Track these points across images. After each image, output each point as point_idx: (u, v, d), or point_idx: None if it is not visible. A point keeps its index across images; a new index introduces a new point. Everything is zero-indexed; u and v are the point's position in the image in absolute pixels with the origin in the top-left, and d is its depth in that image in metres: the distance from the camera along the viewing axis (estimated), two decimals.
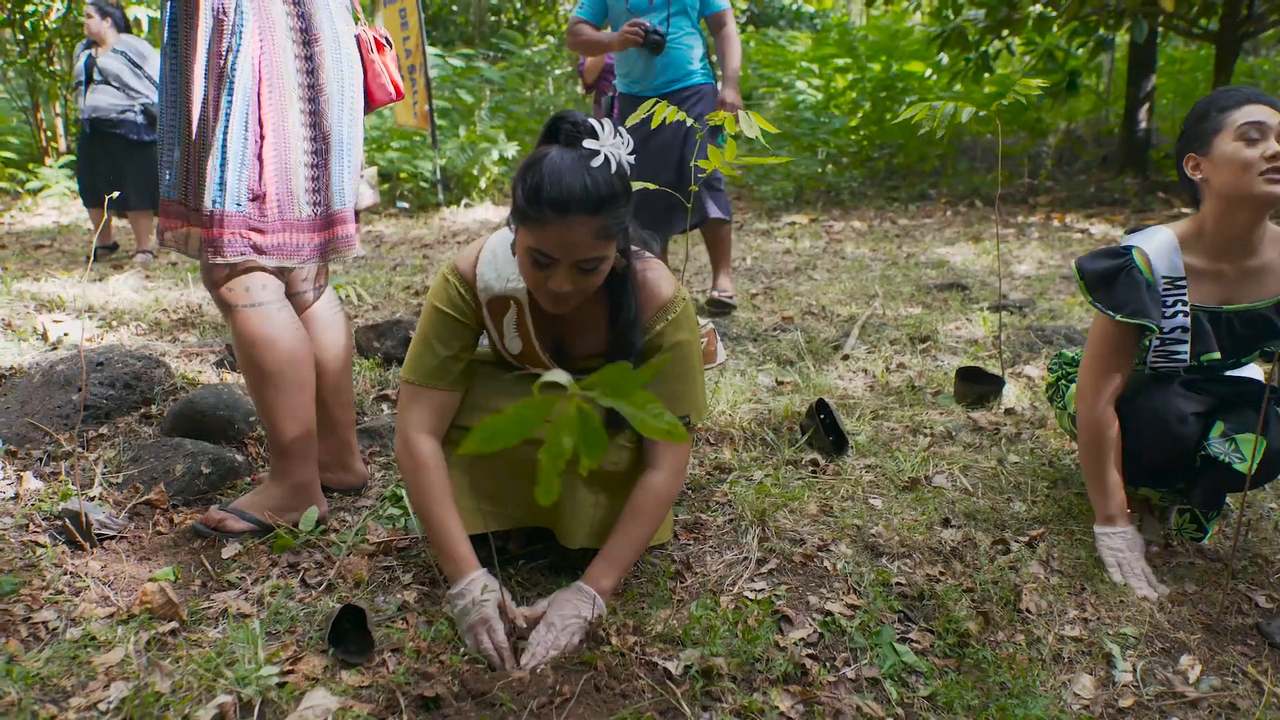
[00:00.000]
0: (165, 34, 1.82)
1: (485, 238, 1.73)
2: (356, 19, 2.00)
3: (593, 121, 1.51)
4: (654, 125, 2.45)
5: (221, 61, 1.75)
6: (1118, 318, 1.81)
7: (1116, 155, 9.40)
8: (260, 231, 1.82)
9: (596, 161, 1.47)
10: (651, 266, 1.71)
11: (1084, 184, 9.05)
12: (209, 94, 1.77)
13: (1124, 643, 1.69)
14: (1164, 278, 1.82)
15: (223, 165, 1.77)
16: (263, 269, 1.87)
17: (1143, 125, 9.03)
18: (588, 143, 1.49)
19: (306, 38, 1.82)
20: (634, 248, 1.70)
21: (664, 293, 1.69)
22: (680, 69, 3.81)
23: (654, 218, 3.73)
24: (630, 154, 1.54)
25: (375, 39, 2.00)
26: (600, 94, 6.26)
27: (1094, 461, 1.91)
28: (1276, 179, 1.70)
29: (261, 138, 1.79)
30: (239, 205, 1.79)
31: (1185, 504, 1.94)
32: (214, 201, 1.78)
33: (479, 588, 1.59)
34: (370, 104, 2.03)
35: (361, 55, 1.96)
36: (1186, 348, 1.82)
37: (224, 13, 1.75)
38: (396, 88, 2.04)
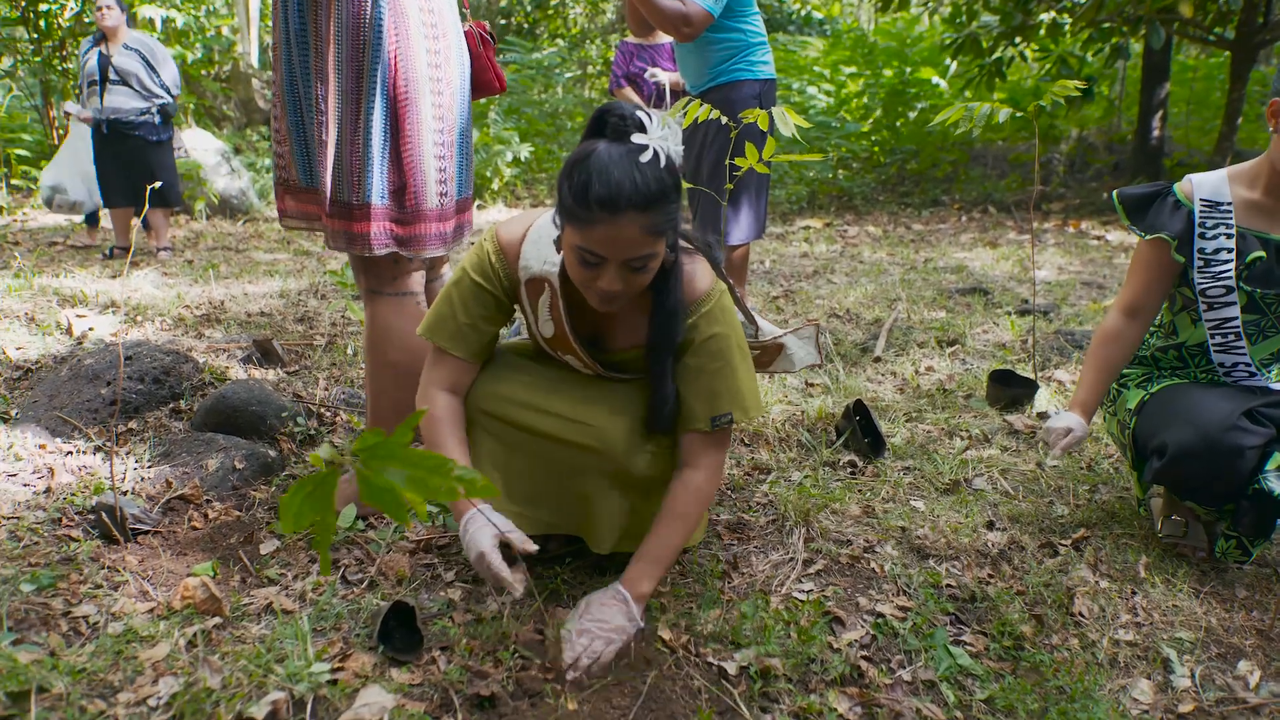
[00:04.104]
0: (289, 28, 1.82)
1: (534, 214, 1.68)
2: (464, 15, 2.04)
3: (641, 114, 1.45)
4: (685, 124, 2.42)
5: (360, 57, 1.78)
6: (1146, 236, 1.95)
7: (1129, 163, 9.38)
8: (400, 224, 1.88)
9: (645, 156, 1.41)
10: (691, 260, 1.66)
11: (1096, 191, 9.03)
12: (346, 88, 1.79)
13: (1179, 647, 1.67)
14: (1204, 200, 1.90)
15: (368, 160, 1.81)
16: (408, 260, 1.93)
17: (1156, 133, 9.01)
18: (636, 137, 1.42)
19: (436, 32, 1.85)
20: (684, 244, 1.65)
21: (699, 287, 1.64)
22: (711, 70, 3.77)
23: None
24: (679, 147, 1.49)
25: (482, 35, 2.03)
26: (633, 84, 6.05)
27: (1088, 357, 2.01)
28: None
29: (399, 131, 1.83)
30: (383, 199, 1.85)
31: (1233, 529, 1.89)
32: (365, 195, 1.83)
33: (478, 522, 1.57)
34: (475, 95, 2.08)
35: (470, 49, 2.01)
36: (1231, 266, 1.87)
37: (362, 8, 1.76)
38: (500, 80, 2.08)
